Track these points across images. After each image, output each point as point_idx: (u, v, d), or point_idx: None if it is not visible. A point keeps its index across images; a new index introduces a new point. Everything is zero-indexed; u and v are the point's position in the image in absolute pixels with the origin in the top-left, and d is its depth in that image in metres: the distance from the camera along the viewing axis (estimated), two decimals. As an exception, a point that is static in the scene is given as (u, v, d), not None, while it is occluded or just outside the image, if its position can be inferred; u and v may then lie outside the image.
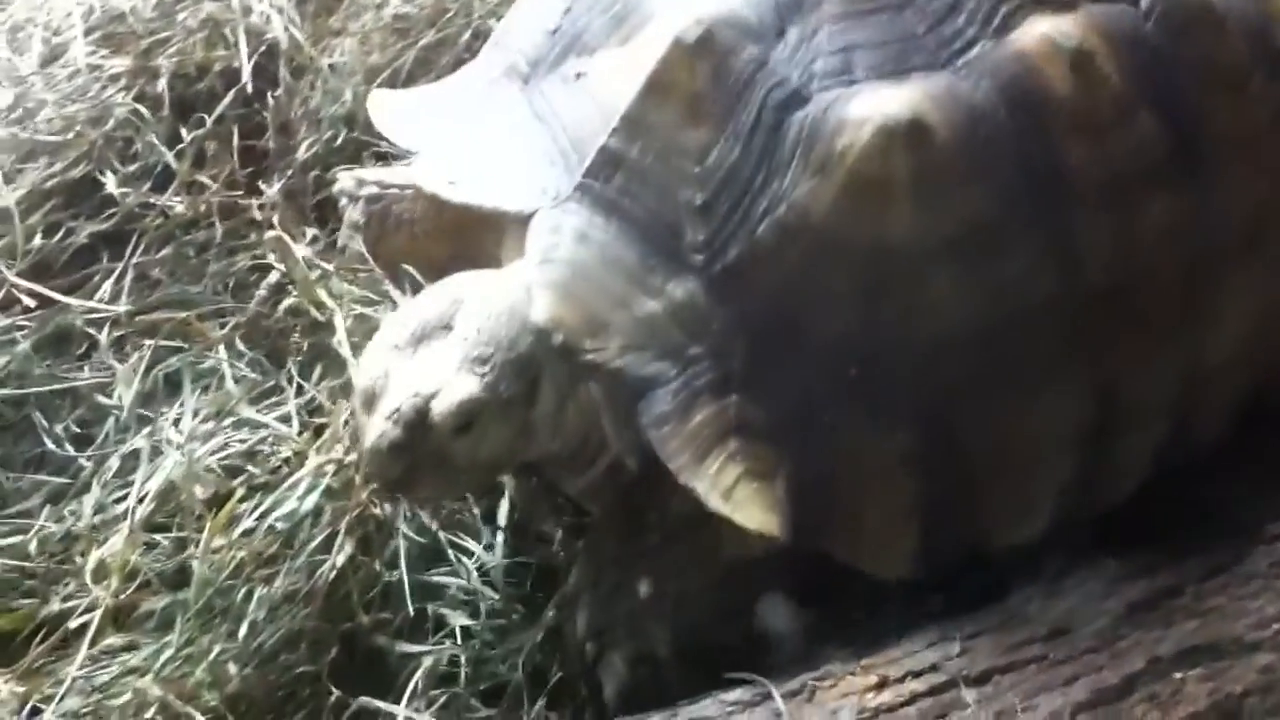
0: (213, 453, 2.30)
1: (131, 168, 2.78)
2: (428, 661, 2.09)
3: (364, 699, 2.06)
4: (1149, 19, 2.08)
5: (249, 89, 2.84)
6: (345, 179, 2.43)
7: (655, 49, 1.99)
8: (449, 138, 2.23)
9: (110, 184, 2.71)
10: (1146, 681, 1.93)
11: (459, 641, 2.13)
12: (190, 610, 2.09)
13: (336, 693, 2.07)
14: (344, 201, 2.41)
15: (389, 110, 2.34)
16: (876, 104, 1.91)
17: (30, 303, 2.56)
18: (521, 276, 1.99)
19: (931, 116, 1.91)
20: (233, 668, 2.06)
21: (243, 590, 2.11)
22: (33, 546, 2.27)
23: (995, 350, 1.95)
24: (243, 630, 2.09)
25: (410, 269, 2.28)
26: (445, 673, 2.11)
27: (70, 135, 2.78)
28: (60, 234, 2.68)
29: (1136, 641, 1.97)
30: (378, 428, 1.88)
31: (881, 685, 1.94)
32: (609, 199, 2.00)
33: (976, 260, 1.93)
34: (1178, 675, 1.93)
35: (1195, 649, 1.96)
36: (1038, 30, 2.00)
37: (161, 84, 2.84)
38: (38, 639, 2.18)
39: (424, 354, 1.94)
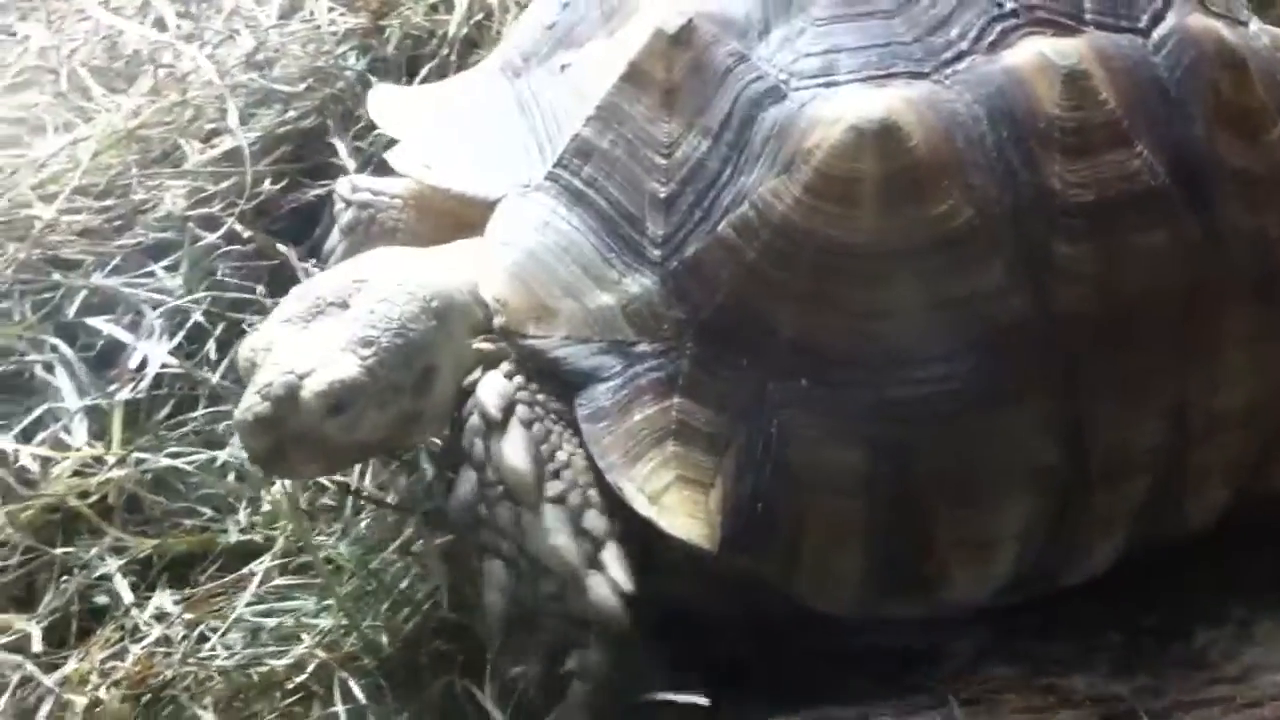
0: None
1: (358, 127, 2.81)
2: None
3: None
4: (1158, 52, 1.97)
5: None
6: (341, 183, 2.38)
7: (637, 39, 1.94)
8: (433, 127, 2.19)
9: (341, 149, 2.77)
10: (1334, 733, 1.80)
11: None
12: (347, 579, 2.12)
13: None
14: (339, 205, 2.37)
15: (384, 103, 2.32)
16: (851, 104, 1.82)
17: (247, 233, 2.63)
18: (444, 258, 1.95)
19: (906, 120, 1.81)
20: (385, 638, 2.07)
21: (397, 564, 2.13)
22: (228, 477, 2.33)
23: (957, 370, 1.82)
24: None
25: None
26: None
27: (302, 88, 2.83)
28: (285, 183, 2.74)
29: (1326, 693, 1.84)
30: (246, 401, 1.79)
31: (1062, 706, 1.87)
32: (576, 189, 1.94)
33: (942, 272, 1.82)
34: (1366, 729, 1.80)
35: (1385, 704, 1.82)
36: (1033, 48, 1.89)
37: (390, 46, 2.86)
38: (213, 568, 2.24)
39: (314, 330, 1.85)
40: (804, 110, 1.84)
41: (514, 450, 1.83)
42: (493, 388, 1.86)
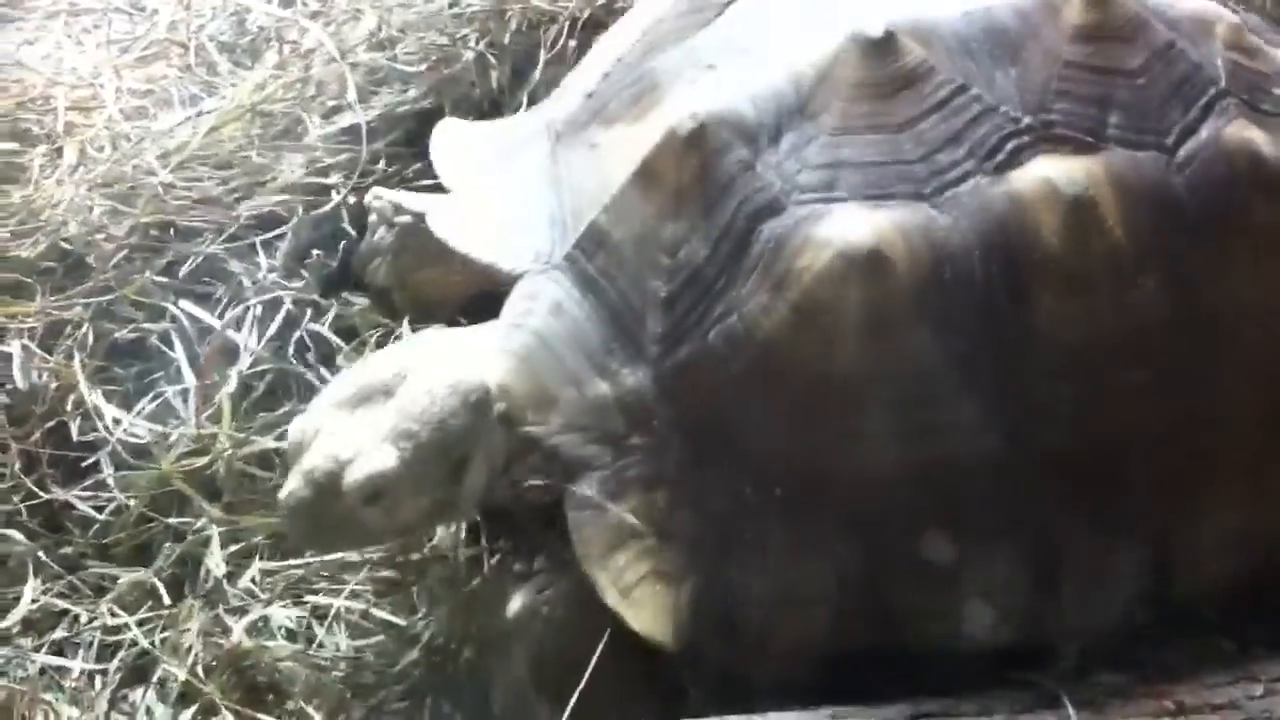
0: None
1: (473, 109, 2.79)
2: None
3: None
4: (1182, 171, 1.86)
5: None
6: (382, 201, 2.35)
7: (653, 136, 1.90)
8: (474, 183, 2.19)
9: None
10: None
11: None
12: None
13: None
14: (373, 219, 2.36)
15: (447, 141, 2.30)
16: (843, 227, 1.77)
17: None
18: (479, 343, 1.95)
19: (895, 249, 1.76)
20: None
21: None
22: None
23: (927, 499, 1.80)
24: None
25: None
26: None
27: (423, 68, 2.80)
28: (398, 164, 2.73)
29: None
30: (291, 484, 1.83)
31: (1178, 712, 1.82)
32: (589, 275, 1.92)
33: (914, 404, 1.79)
34: None
35: None
36: (1039, 172, 1.80)
37: (510, 30, 2.80)
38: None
39: (359, 417, 1.87)
40: (798, 228, 1.80)
41: None
42: None
